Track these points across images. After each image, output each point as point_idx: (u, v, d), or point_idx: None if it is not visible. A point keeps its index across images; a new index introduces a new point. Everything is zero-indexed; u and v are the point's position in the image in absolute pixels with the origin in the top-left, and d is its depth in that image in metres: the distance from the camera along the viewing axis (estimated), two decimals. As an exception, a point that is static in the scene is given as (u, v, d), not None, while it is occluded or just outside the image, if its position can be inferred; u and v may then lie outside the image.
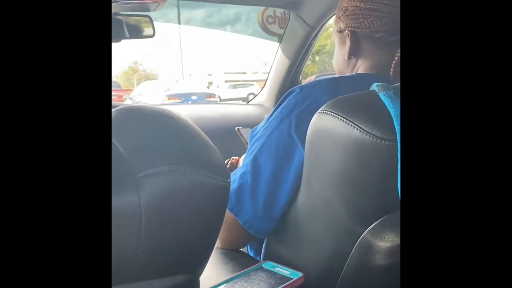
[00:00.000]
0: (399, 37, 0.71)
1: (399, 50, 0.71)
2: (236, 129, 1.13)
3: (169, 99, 9.50)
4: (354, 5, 0.75)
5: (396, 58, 0.71)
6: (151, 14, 1.38)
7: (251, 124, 1.29)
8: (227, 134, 1.58)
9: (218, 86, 13.63)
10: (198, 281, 0.38)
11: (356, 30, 0.76)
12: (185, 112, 1.68)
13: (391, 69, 0.72)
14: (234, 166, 1.04)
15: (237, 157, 1.06)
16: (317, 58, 11.79)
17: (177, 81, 12.85)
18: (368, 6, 0.73)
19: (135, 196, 0.30)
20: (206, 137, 0.38)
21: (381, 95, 0.54)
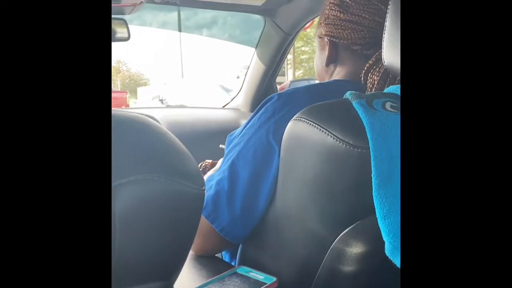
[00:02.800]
0: (375, 50, 0.72)
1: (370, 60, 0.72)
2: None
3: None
4: (335, 14, 0.76)
5: (366, 67, 0.72)
6: (126, 17, 1.37)
7: (226, 128, 1.28)
8: (202, 139, 1.57)
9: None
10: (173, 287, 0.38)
11: (334, 40, 0.77)
12: (159, 115, 1.65)
13: (361, 77, 0.73)
14: (208, 168, 1.03)
15: (211, 160, 1.06)
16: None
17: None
18: (347, 18, 0.74)
19: None
20: (180, 144, 0.38)
21: (354, 103, 0.55)
